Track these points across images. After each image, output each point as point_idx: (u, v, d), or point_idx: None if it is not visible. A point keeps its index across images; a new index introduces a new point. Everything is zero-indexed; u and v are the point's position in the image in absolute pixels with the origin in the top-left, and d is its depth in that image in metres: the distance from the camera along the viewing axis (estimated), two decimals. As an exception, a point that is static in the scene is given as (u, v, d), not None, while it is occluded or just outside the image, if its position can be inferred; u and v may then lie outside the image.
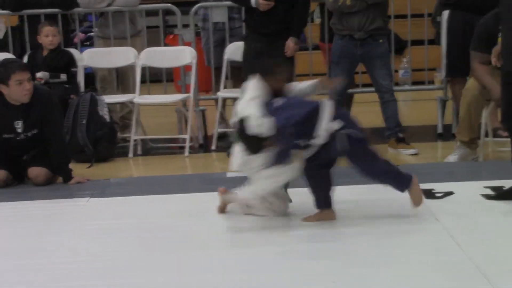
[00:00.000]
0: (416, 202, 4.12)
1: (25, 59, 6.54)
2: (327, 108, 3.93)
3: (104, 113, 6.32)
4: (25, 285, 3.39)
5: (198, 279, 3.41)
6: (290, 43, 6.12)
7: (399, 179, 4.08)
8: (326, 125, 3.89)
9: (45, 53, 6.55)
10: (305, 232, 3.96)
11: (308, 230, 3.98)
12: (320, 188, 4.10)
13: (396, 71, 7.85)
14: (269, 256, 3.62)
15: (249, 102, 3.97)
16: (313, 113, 3.91)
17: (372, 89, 6.28)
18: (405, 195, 4.10)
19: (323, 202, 4.12)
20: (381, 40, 6.03)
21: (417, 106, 8.45)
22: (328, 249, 3.70)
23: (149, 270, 3.53)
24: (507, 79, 4.29)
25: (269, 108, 3.93)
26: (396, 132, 6.09)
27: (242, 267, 3.51)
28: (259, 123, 3.84)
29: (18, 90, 5.13)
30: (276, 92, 4.10)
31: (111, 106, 6.60)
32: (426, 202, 4.39)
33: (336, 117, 3.91)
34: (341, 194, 4.67)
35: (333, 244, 3.78)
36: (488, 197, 4.46)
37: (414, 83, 7.61)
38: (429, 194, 4.56)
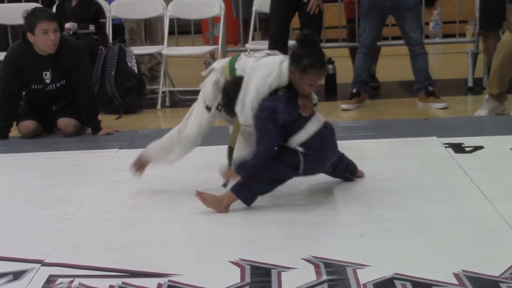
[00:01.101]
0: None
1: (54, 9, 6.52)
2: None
3: (133, 64, 6.33)
4: (56, 233, 3.42)
5: (222, 232, 3.44)
6: (319, -6, 6.04)
7: None
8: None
9: (73, 3, 6.53)
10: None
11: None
12: None
13: (427, 23, 7.73)
14: (299, 210, 3.63)
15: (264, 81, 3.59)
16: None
17: (402, 41, 6.20)
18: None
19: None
20: (411, -8, 5.94)
21: (448, 60, 8.35)
22: (354, 199, 3.71)
23: (177, 219, 3.57)
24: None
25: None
26: (426, 85, 6.03)
27: (267, 220, 3.53)
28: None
29: (43, 39, 5.12)
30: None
31: (139, 58, 6.60)
32: (455, 156, 4.37)
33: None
34: (366, 148, 4.67)
35: (360, 198, 3.77)
36: (518, 151, 4.43)
37: (445, 35, 7.50)
38: (459, 148, 4.53)
